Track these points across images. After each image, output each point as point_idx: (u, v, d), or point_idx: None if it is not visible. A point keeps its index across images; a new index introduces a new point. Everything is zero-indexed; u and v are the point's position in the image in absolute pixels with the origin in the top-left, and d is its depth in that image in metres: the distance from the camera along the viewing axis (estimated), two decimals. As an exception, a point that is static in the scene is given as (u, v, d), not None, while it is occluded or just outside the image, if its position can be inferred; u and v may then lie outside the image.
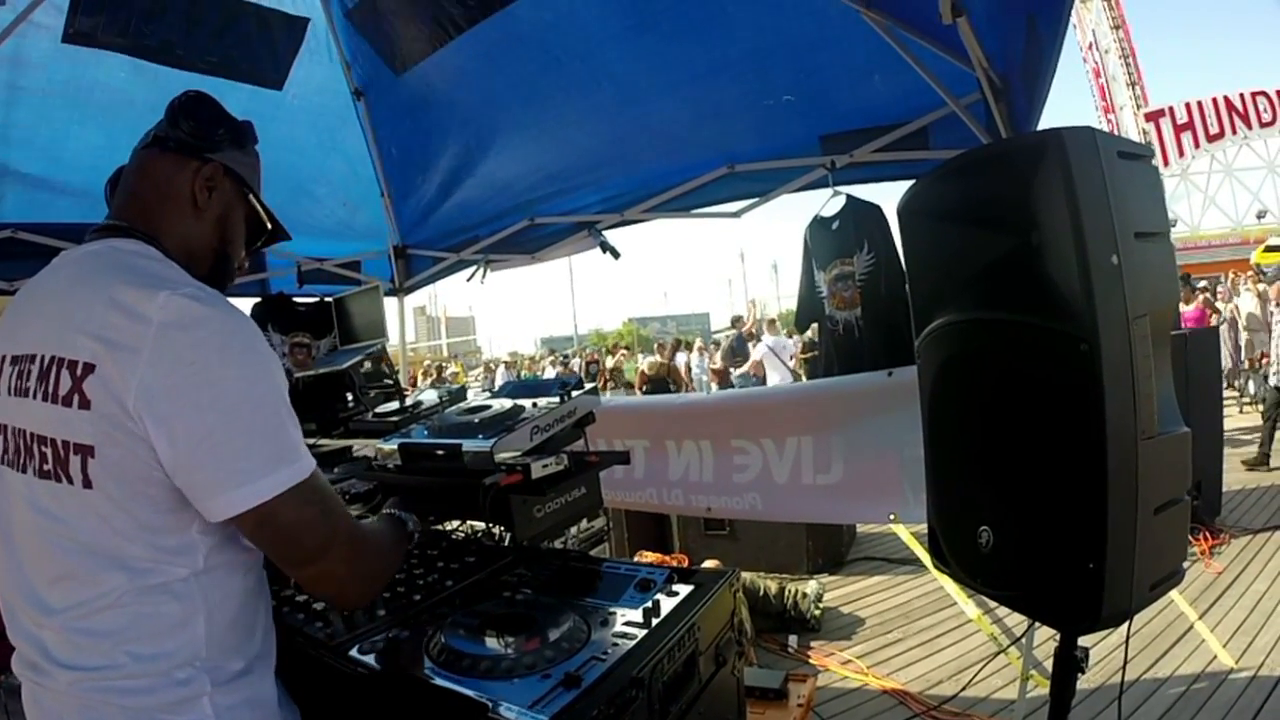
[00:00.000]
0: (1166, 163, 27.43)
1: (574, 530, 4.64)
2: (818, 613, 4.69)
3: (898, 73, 2.73)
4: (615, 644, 1.39)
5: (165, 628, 1.13)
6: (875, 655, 4.26)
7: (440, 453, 2.11)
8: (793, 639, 4.50)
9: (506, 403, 2.43)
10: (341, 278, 5.08)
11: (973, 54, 2.31)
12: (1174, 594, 4.56)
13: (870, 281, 3.35)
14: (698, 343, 18.86)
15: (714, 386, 14.19)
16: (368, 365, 5.54)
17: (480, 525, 2.32)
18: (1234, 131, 27.26)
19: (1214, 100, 27.31)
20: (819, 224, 3.52)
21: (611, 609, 1.60)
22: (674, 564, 5.14)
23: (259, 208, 1.47)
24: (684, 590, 1.64)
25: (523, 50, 3.35)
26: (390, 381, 3.95)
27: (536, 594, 1.75)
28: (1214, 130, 27.38)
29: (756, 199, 3.71)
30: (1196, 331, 7.20)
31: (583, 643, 1.41)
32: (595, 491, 2.19)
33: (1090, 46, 29.34)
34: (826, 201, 3.46)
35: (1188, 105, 27.62)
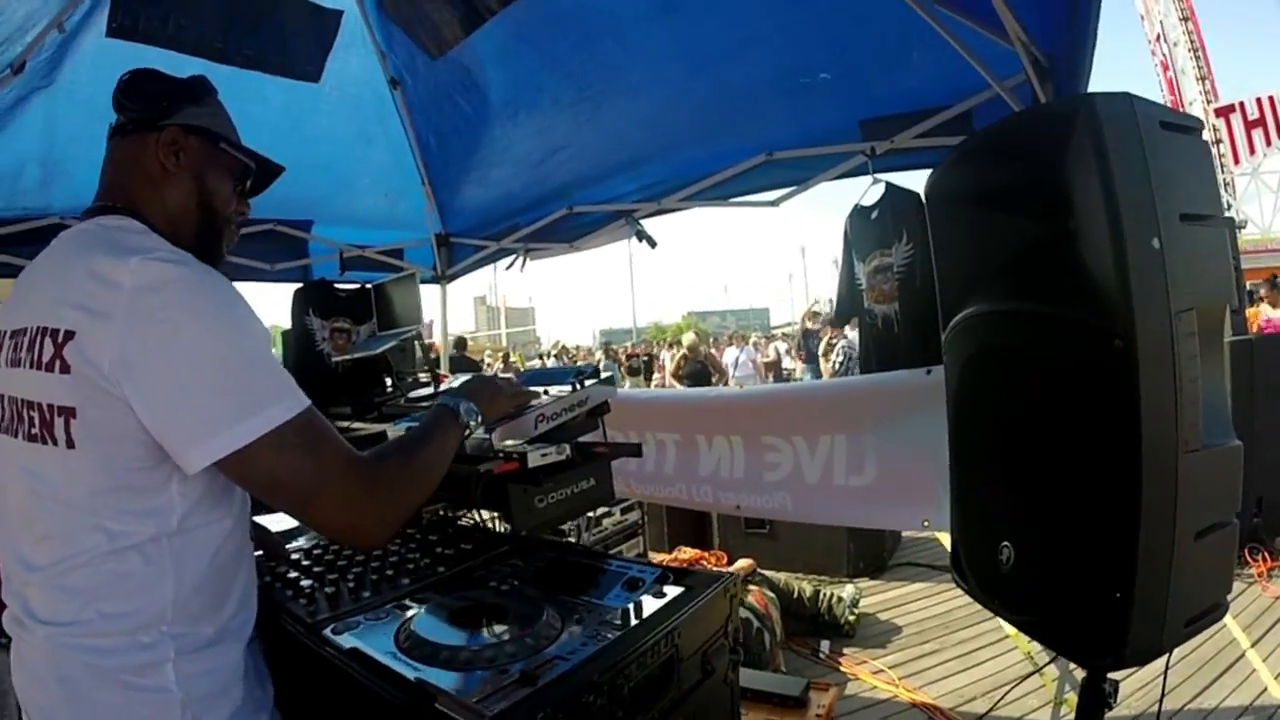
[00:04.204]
0: (1237, 161, 26.42)
1: (607, 524, 4.61)
2: (852, 618, 4.56)
3: (936, 51, 2.57)
4: (584, 644, 1.34)
5: (133, 587, 1.17)
6: (909, 666, 4.13)
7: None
8: (825, 644, 4.39)
9: (535, 389, 2.38)
10: (383, 265, 5.12)
11: (1010, 29, 2.15)
12: (1228, 619, 4.30)
13: (908, 274, 3.19)
14: (753, 337, 18.68)
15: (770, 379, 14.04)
16: (404, 350, 5.59)
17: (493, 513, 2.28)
18: (1309, 128, 26.06)
19: (1288, 95, 26.13)
20: (858, 213, 3.38)
21: (593, 607, 1.54)
22: (681, 563, 5.08)
23: (234, 152, 1.49)
24: (672, 593, 1.55)
25: (555, 29, 3.28)
26: (427, 367, 4.00)
27: (523, 586, 1.70)
28: (1288, 127, 26.19)
29: (794, 187, 3.59)
30: (1267, 338, 6.81)
31: (550, 640, 1.37)
32: (606, 483, 2.13)
33: (1158, 39, 28.37)
34: (866, 190, 3.32)
35: (1259, 101, 26.34)
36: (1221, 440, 1.54)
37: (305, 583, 1.72)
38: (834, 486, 3.21)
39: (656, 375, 17.17)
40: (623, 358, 19.39)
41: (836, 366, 11.19)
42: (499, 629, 1.41)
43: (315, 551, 2.03)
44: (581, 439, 2.17)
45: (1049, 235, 1.57)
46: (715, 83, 3.26)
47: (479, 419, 1.56)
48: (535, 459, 1.86)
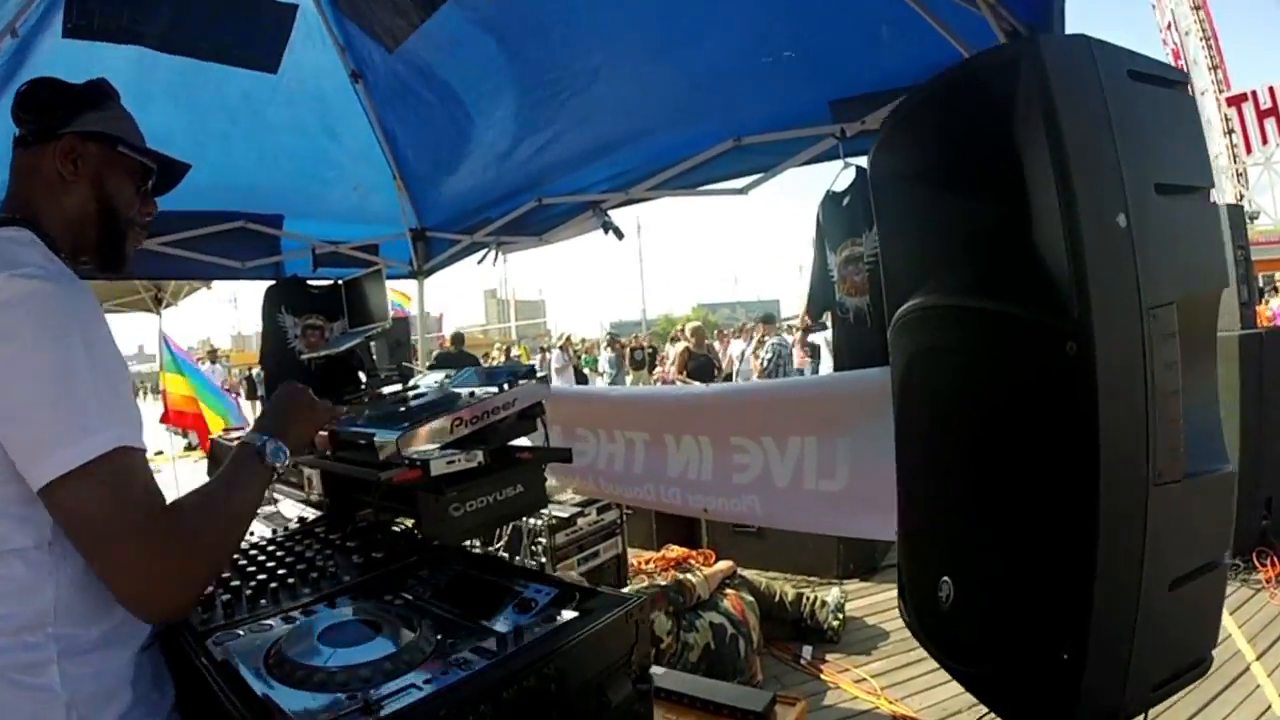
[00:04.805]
0: (1249, 150, 26.31)
1: (581, 524, 4.48)
2: (836, 623, 4.40)
3: (907, 25, 2.39)
4: (445, 673, 1.26)
5: (15, 590, 1.16)
6: (892, 675, 3.96)
7: (362, 442, 1.98)
8: (807, 650, 4.25)
9: (454, 391, 2.26)
10: (358, 260, 5.03)
11: (982, -1, 1.98)
12: (1233, 629, 4.19)
13: (879, 263, 3.00)
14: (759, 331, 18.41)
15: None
16: (400, 345, 5.52)
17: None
18: (1321, 118, 25.75)
19: (1300, 85, 25.81)
20: (830, 200, 3.19)
21: (475, 629, 1.45)
22: (669, 561, 4.92)
23: (134, 154, 1.52)
24: (566, 617, 1.42)
25: (508, 15, 3.16)
26: (394, 364, 3.95)
27: (416, 601, 1.63)
28: (1300, 117, 25.89)
29: (762, 174, 3.41)
30: (1275, 330, 6.55)
31: (412, 665, 1.29)
32: (536, 489, 2.03)
33: (1169, 27, 28.08)
34: (838, 175, 3.13)
35: (1271, 89, 26.18)
36: (1211, 466, 1.30)
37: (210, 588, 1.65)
38: (804, 491, 3.02)
39: (659, 369, 16.93)
40: (627, 350, 19.25)
41: (765, 365, 10.98)
42: (365, 649, 1.34)
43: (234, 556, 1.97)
44: (521, 442, 2.09)
45: (998, 215, 1.34)
46: (677, 65, 3.11)
47: (286, 457, 1.47)
48: (440, 466, 1.75)
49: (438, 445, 1.88)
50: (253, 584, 1.71)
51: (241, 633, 1.47)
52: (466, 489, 1.81)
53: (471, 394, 2.09)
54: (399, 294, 8.57)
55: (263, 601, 1.64)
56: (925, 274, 1.58)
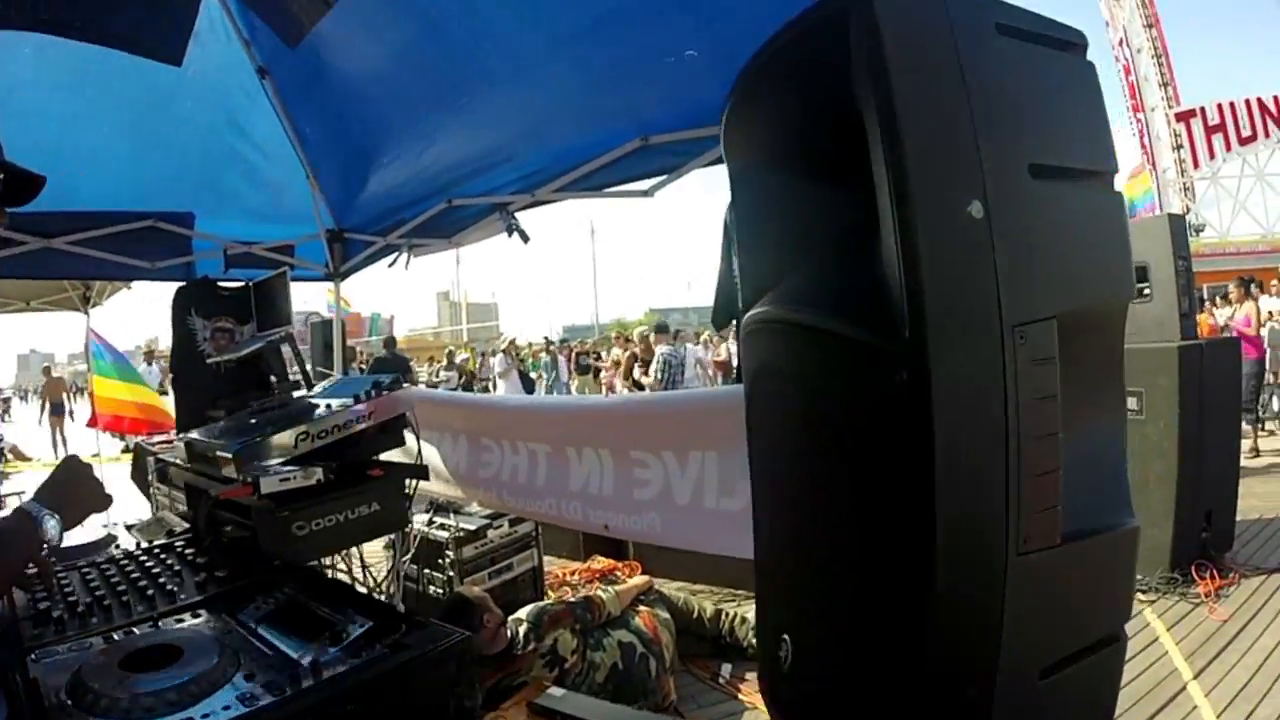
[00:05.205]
0: (1197, 165, 26.91)
1: (493, 536, 4.37)
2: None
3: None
4: (228, 708, 1.23)
5: None
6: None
7: (210, 454, 1.89)
8: (726, 668, 4.11)
9: (313, 402, 2.17)
10: (272, 262, 4.91)
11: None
12: (1170, 645, 4.08)
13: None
14: (704, 335, 18.31)
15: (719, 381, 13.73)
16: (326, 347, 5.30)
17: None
18: (1267, 135, 26.61)
19: (1247, 102, 26.66)
20: (737, 204, 3.12)
21: (279, 661, 1.41)
22: (594, 573, 4.84)
23: None
24: (374, 653, 1.33)
25: (400, 14, 3.09)
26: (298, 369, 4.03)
27: (241, 624, 1.59)
28: (1246, 133, 26.74)
29: (667, 175, 3.32)
30: (1218, 341, 6.57)
31: (198, 698, 1.26)
32: (394, 507, 1.95)
33: (1121, 43, 28.59)
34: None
35: (1219, 106, 26.95)
36: (1107, 523, 1.08)
37: (45, 604, 1.68)
38: (704, 509, 2.83)
39: (605, 374, 16.69)
40: (572, 355, 19.03)
41: (658, 378, 10.47)
42: (155, 676, 1.32)
43: (84, 568, 1.95)
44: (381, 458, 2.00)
45: (834, 207, 1.09)
46: (576, 63, 3.01)
47: (59, 531, 1.44)
48: (272, 484, 1.65)
49: (280, 460, 1.78)
50: (88, 600, 1.71)
51: (62, 650, 1.48)
52: (308, 507, 1.73)
53: (328, 406, 1.99)
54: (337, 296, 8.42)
55: (94, 619, 1.63)
56: (769, 276, 1.34)
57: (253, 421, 2.06)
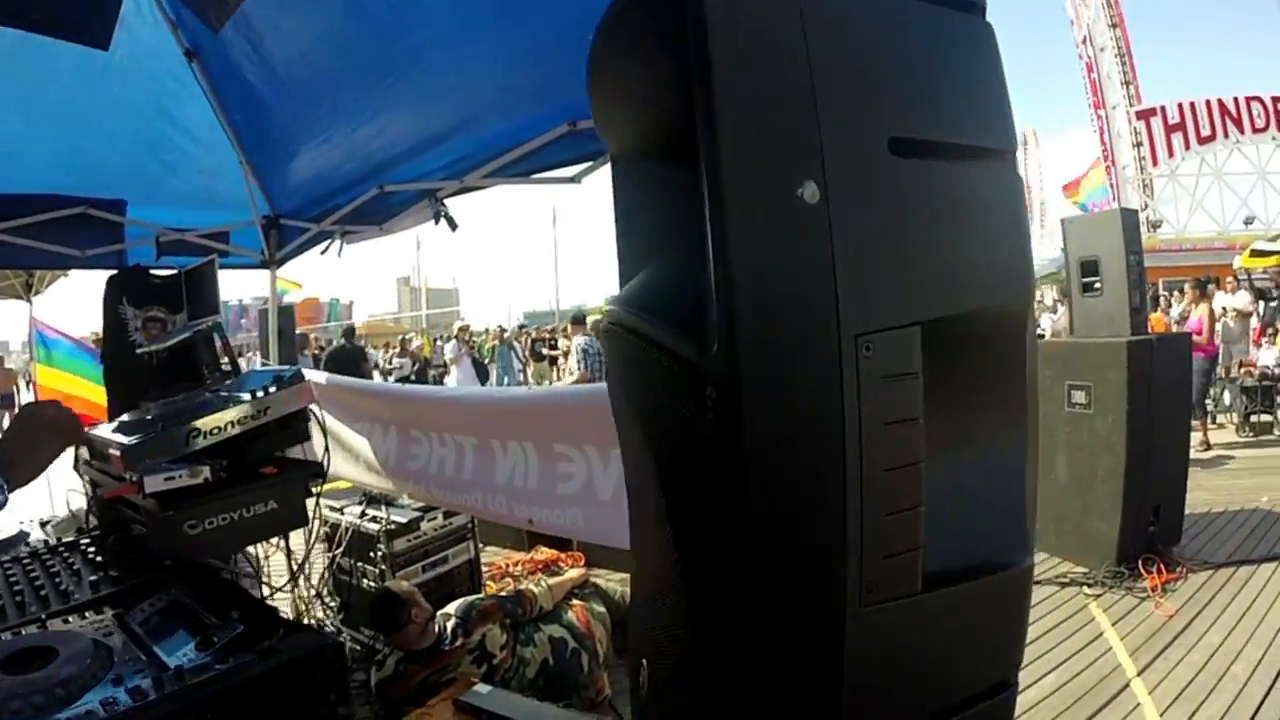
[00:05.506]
0: (1156, 163, 27.43)
1: (426, 529, 4.34)
2: (692, 634, 4.31)
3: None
4: (90, 713, 1.20)
5: None
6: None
7: (106, 451, 1.86)
8: (662, 662, 4.13)
9: (208, 397, 2.14)
10: (207, 249, 4.73)
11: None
12: (1114, 640, 4.06)
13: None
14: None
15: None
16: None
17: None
18: (1225, 135, 27.21)
19: (1207, 102, 27.23)
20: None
21: (150, 663, 1.40)
22: (538, 564, 4.82)
23: None
24: (241, 659, 1.32)
25: (320, -5, 3.01)
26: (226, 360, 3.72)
27: (125, 625, 1.57)
28: (1205, 133, 27.33)
29: (593, 161, 3.26)
30: (1165, 337, 6.54)
31: (66, 702, 1.23)
32: (292, 505, 1.92)
33: (1085, 41, 29.00)
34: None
35: (1180, 106, 27.52)
36: (995, 563, 0.94)
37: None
38: (626, 506, 2.89)
39: (561, 362, 16.38)
40: (527, 342, 18.67)
41: (577, 369, 10.05)
42: (25, 678, 1.27)
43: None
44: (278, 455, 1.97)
45: (668, 188, 0.95)
46: (500, 44, 2.96)
47: (7, 488, 1.39)
48: (157, 483, 1.63)
49: (169, 458, 1.76)
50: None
51: None
52: (198, 506, 1.70)
53: (224, 402, 1.97)
54: (288, 282, 8.28)
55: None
56: (628, 272, 1.18)
57: (148, 418, 2.02)
